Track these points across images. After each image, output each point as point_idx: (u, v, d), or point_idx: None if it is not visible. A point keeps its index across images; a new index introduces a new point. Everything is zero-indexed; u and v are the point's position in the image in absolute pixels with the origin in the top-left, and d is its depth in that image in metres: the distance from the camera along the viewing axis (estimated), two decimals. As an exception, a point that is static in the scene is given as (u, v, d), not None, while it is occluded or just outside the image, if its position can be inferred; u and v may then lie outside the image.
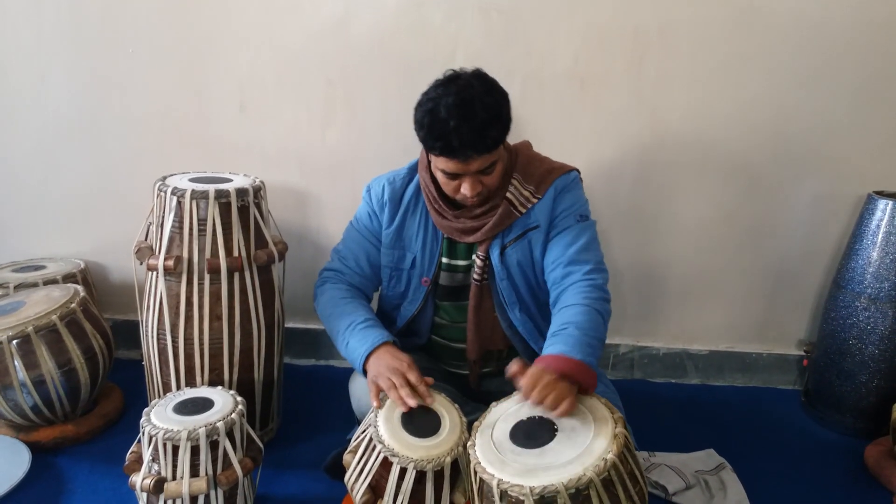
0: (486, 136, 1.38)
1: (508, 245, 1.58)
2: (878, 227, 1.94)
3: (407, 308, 1.69)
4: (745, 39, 1.96)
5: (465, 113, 1.36)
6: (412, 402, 1.37)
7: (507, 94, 1.46)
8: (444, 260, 1.64)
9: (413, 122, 1.45)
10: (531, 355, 1.47)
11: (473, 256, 1.61)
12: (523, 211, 1.56)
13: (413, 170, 1.66)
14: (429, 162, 1.55)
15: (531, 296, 1.64)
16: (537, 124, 2.03)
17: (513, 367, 1.33)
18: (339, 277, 1.67)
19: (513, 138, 1.67)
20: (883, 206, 1.93)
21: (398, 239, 1.65)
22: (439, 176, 1.50)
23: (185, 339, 1.67)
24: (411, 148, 1.93)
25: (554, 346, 1.37)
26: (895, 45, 1.95)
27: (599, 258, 1.57)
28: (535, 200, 1.56)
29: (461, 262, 1.63)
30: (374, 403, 1.40)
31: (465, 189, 1.46)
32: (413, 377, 1.41)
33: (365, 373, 1.49)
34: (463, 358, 1.71)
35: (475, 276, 1.61)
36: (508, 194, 1.55)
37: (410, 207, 1.64)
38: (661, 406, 2.19)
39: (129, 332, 2.23)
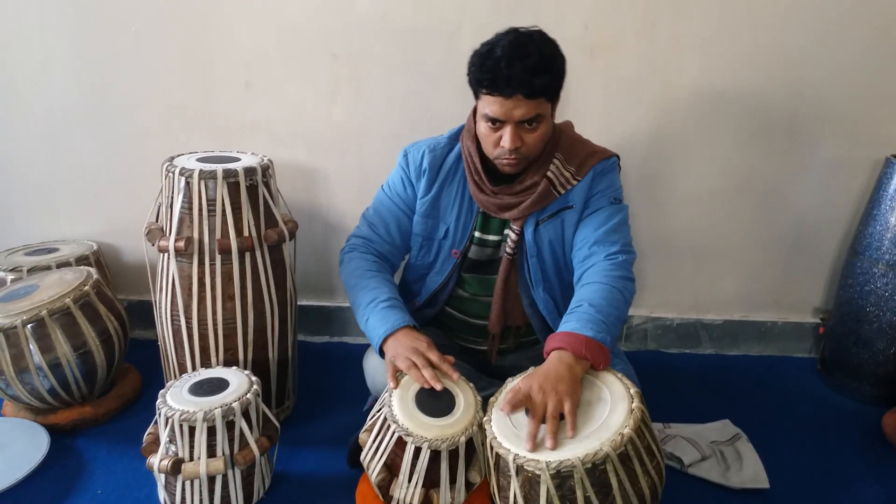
0: (535, 79, 1.37)
1: (542, 222, 1.57)
2: (897, 191, 1.90)
3: (433, 279, 1.68)
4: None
5: (519, 52, 1.36)
6: (437, 385, 1.37)
7: (565, 58, 1.45)
8: (477, 234, 1.63)
9: (467, 67, 1.44)
10: (548, 334, 1.46)
11: (507, 231, 1.59)
12: (563, 192, 1.54)
13: (453, 139, 1.64)
14: (475, 122, 1.52)
15: (557, 275, 1.62)
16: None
17: (509, 395, 1.28)
18: (367, 246, 1.65)
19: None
20: (901, 171, 1.89)
21: (434, 208, 1.63)
22: (482, 128, 1.47)
23: (199, 320, 1.67)
24: (418, 123, 1.92)
25: (566, 324, 1.37)
26: (914, 4, 1.90)
27: (628, 240, 1.55)
28: (574, 182, 1.54)
29: (492, 237, 1.62)
30: (392, 384, 1.40)
31: (506, 140, 1.43)
32: (434, 357, 1.41)
33: (382, 353, 1.48)
34: (482, 333, 1.71)
35: (507, 251, 1.59)
36: (549, 173, 1.52)
37: (449, 177, 1.62)
38: (676, 377, 2.19)
39: (144, 313, 2.23)
